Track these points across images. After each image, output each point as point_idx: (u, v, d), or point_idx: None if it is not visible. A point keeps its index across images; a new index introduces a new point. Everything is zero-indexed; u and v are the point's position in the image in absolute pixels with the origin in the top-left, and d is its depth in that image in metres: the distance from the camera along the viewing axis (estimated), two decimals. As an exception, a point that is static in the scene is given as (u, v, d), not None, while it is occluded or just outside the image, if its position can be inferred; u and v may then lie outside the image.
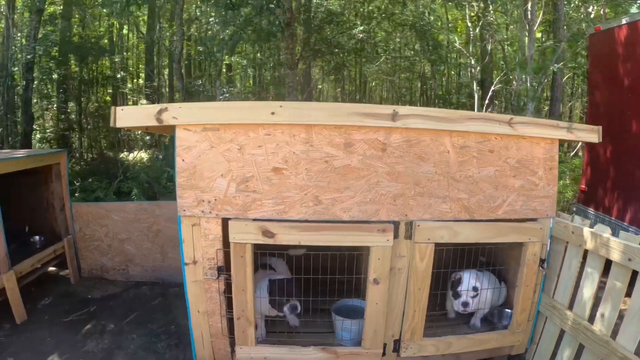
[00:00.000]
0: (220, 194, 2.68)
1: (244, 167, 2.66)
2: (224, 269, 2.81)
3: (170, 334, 4.19)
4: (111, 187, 10.08)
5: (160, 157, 13.20)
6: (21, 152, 5.36)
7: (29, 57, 12.29)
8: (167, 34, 16.36)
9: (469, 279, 3.28)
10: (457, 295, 3.30)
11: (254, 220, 2.70)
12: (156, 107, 2.63)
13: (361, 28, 12.16)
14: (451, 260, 3.30)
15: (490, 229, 2.98)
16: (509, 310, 3.37)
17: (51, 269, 5.43)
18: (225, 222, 2.70)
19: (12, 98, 13.53)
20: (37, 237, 5.20)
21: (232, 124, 2.61)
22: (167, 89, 17.86)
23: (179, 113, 2.61)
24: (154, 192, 9.77)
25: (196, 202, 2.69)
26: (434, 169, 2.84)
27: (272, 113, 2.57)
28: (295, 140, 2.67)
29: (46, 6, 13.83)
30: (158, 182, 10.12)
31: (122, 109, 2.67)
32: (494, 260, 3.54)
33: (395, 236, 2.82)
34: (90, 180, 10.44)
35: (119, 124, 2.67)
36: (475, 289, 3.25)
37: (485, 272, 3.40)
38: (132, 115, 2.70)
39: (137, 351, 3.94)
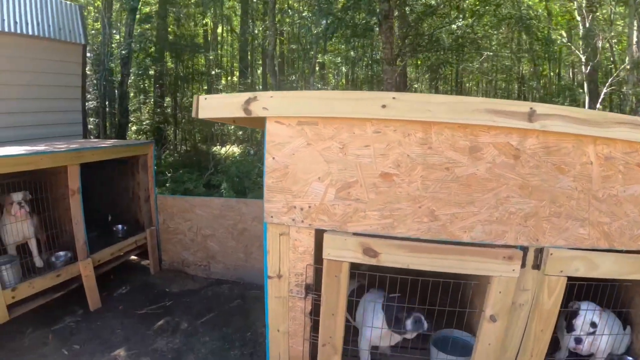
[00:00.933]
0: (316, 200, 2.25)
1: (346, 170, 2.21)
2: (313, 288, 2.39)
3: (245, 342, 3.87)
4: (201, 179, 10.16)
5: (252, 152, 13.23)
6: (109, 142, 5.34)
7: (124, 52, 12.77)
8: (260, 29, 16.39)
9: (587, 312, 2.63)
10: (570, 328, 2.66)
11: (354, 234, 2.25)
12: (244, 95, 2.26)
13: (460, 23, 11.30)
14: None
15: (633, 263, 2.32)
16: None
17: (132, 258, 5.35)
18: (319, 234, 2.28)
19: (110, 92, 14.18)
20: (119, 226, 5.15)
21: (333, 117, 2.18)
22: (261, 86, 17.96)
23: (270, 103, 2.21)
24: (243, 186, 9.70)
25: (286, 209, 2.28)
26: (574, 184, 2.23)
27: (383, 106, 2.10)
28: (409, 140, 2.18)
29: (142, 6, 14.38)
30: (248, 177, 10.05)
31: (205, 98, 2.33)
32: (614, 298, 2.84)
33: (522, 265, 2.25)
34: (181, 171, 10.62)
35: (202, 114, 2.33)
36: (593, 324, 2.59)
37: (607, 310, 2.72)
38: (216, 105, 2.34)
39: (207, 356, 3.66)
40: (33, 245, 4.09)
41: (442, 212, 2.22)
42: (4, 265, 3.60)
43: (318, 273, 2.37)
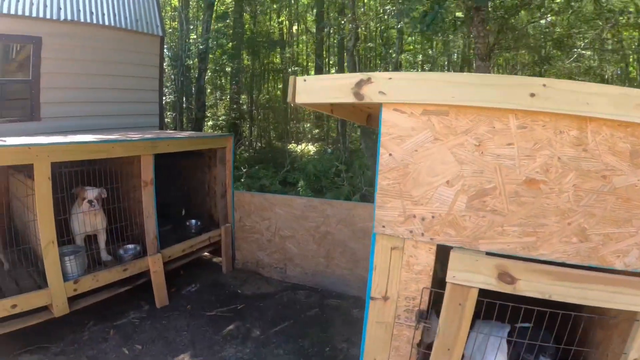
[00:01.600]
0: (442, 209, 1.81)
1: (483, 173, 1.76)
2: (426, 315, 1.96)
3: (324, 358, 3.49)
4: (277, 176, 10.02)
5: (329, 150, 12.96)
6: (185, 133, 5.17)
7: (201, 47, 12.87)
8: (341, 23, 16.04)
9: None
10: None
11: (488, 254, 1.79)
12: (354, 76, 1.86)
13: (550, 18, 10.30)
14: None
15: None
16: None
17: (204, 254, 5.15)
18: (441, 251, 1.85)
19: (187, 87, 14.40)
20: (192, 221, 4.96)
21: (468, 106, 1.73)
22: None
23: (388, 86, 1.81)
24: (320, 185, 9.45)
25: (403, 217, 1.86)
26: None
27: (532, 95, 1.64)
28: (561, 139, 1.70)
29: (218, 4, 14.49)
30: (326, 176, 9.79)
31: (304, 79, 1.98)
32: None
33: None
34: (257, 167, 10.54)
35: (299, 99, 1.97)
36: None
37: None
38: (318, 88, 1.97)
39: (280, 373, 3.35)
40: (101, 237, 3.96)
41: (595, 232, 1.73)
42: (67, 256, 3.45)
43: (434, 297, 1.94)
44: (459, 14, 10.37)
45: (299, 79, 1.99)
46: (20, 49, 5.74)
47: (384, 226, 1.92)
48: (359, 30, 14.82)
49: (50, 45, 5.79)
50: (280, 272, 4.81)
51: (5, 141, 3.04)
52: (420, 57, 15.20)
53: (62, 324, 3.55)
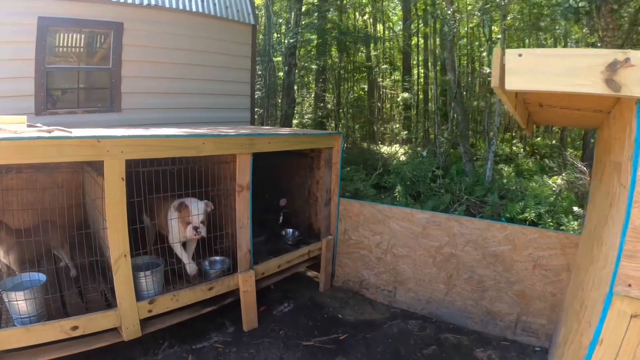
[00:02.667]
0: None
1: None
2: None
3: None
4: (370, 179, 9.32)
5: (424, 153, 12.04)
6: (287, 130, 4.53)
7: (292, 41, 12.40)
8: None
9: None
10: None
11: None
12: (604, 55, 1.20)
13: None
14: None
15: None
16: None
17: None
18: None
19: (274, 82, 14.05)
20: (290, 231, 4.34)
21: None
22: (428, 83, 16.70)
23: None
24: (417, 191, 8.63)
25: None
26: None
27: None
28: None
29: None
30: (423, 181, 8.97)
31: (519, 54, 1.36)
32: None
33: None
34: (348, 169, 9.91)
35: (511, 85, 1.32)
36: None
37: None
38: (542, 68, 1.25)
39: None
40: (191, 247, 3.39)
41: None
42: (143, 272, 2.89)
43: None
44: (582, 3, 9.03)
45: (511, 52, 1.28)
46: (102, 36, 5.37)
47: (630, 285, 1.34)
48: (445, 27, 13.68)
49: (132, 32, 5.33)
50: (387, 296, 4.06)
51: (70, 132, 2.49)
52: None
53: (131, 342, 3.00)
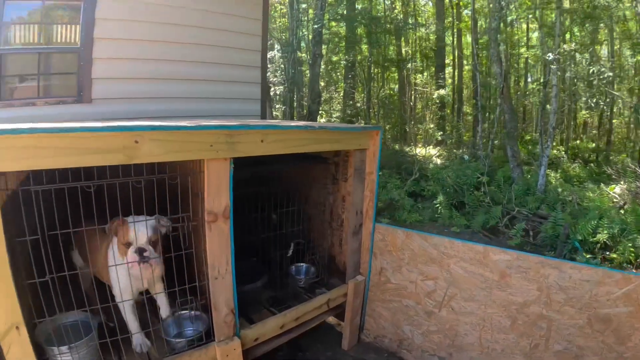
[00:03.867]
0: None
1: None
2: None
3: None
4: (404, 185, 8.02)
5: (466, 157, 10.65)
6: (297, 123, 3.21)
7: (316, 26, 11.16)
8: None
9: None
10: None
11: None
12: None
13: None
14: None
15: None
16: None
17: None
18: None
19: (299, 76, 12.85)
20: (303, 267, 3.10)
21: None
22: (462, 79, 15.32)
23: None
24: (461, 201, 7.31)
25: None
26: None
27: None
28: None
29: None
30: (467, 189, 7.66)
31: None
32: None
33: None
34: (379, 174, 8.63)
35: None
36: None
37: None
38: None
39: None
40: (161, 299, 2.26)
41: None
42: (58, 348, 1.79)
43: None
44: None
45: None
46: (68, 8, 4.07)
47: None
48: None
49: (107, 2, 4.08)
50: (438, 363, 2.79)
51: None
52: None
53: None
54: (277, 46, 13.11)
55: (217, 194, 1.91)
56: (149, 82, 4.41)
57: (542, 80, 11.29)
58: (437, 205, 6.87)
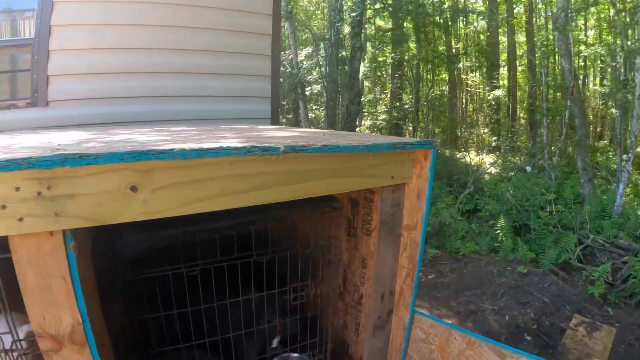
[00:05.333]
0: None
1: None
2: None
3: None
4: (456, 201, 6.79)
5: (529, 168, 9.20)
6: (304, 130, 1.97)
7: (354, 15, 10.04)
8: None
9: None
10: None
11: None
12: None
13: None
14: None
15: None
16: None
17: None
18: None
19: (338, 73, 11.75)
20: (292, 360, 1.90)
21: None
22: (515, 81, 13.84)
23: None
24: (524, 223, 6.01)
25: None
26: None
27: None
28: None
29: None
30: (532, 207, 6.38)
31: None
32: None
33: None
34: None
35: None
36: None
37: None
38: None
39: None
40: None
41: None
42: None
43: None
44: None
45: None
46: None
47: None
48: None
49: None
50: None
51: None
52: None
53: None
54: (314, 42, 12.18)
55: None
56: (125, 77, 3.39)
57: (621, 77, 9.69)
58: (498, 231, 5.58)
